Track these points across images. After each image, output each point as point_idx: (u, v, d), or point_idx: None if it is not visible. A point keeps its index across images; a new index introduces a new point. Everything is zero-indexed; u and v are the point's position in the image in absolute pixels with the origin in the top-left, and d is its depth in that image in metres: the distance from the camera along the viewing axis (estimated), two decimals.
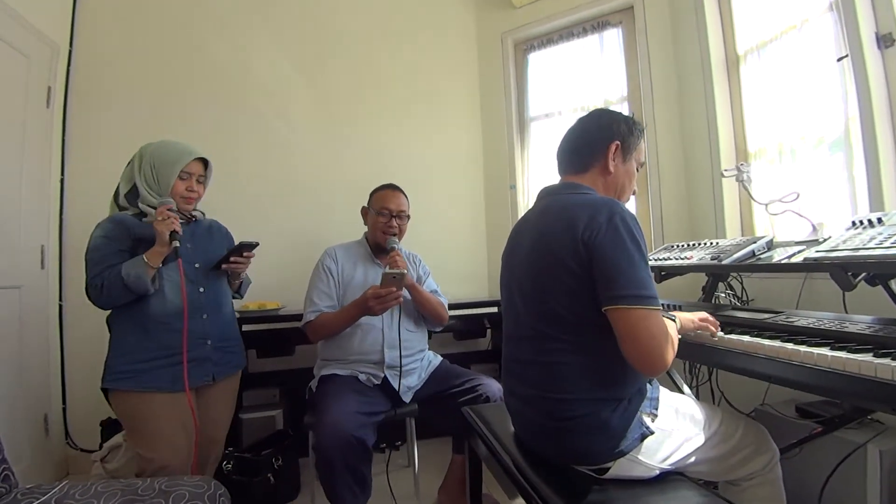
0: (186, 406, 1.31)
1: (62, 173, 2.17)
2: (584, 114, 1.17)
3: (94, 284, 1.29)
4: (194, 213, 1.52)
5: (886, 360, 0.78)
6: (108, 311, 1.38)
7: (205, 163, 1.48)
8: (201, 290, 1.43)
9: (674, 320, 1.05)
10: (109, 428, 1.91)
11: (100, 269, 1.29)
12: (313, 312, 1.73)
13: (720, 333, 1.13)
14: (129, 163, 1.42)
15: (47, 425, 2.03)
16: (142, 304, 1.32)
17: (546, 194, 1.13)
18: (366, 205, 1.93)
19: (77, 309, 2.12)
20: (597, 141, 1.09)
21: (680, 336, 1.06)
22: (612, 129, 1.09)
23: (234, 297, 1.62)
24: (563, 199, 1.05)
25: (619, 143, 1.08)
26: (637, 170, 1.15)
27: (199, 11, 2.44)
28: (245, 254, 1.49)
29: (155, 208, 1.34)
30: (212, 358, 1.42)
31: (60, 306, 2.14)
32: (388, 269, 1.58)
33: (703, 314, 1.16)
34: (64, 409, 2.13)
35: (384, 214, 1.82)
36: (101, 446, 1.81)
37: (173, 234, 1.30)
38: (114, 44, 2.30)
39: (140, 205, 1.37)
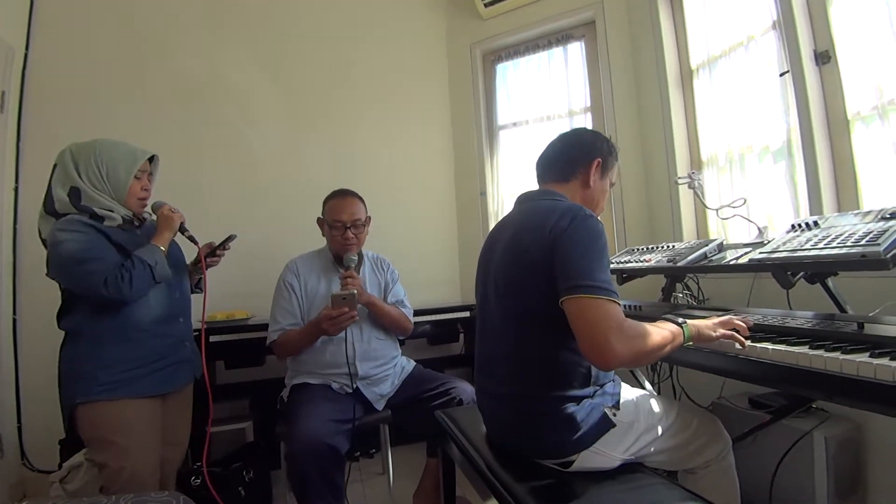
0: (158, 411, 1.33)
1: (16, 181, 2.08)
2: (567, 130, 1.25)
3: (119, 276, 1.20)
4: (144, 213, 1.44)
5: (820, 352, 0.86)
6: (68, 323, 1.29)
7: (149, 158, 1.41)
8: (177, 295, 1.42)
9: (681, 325, 0.99)
10: (69, 447, 1.83)
11: (112, 263, 1.21)
12: (276, 332, 1.71)
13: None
14: (56, 167, 1.29)
15: (2, 445, 1.92)
16: (124, 311, 1.27)
17: (524, 199, 1.20)
18: (321, 215, 1.86)
19: (32, 323, 2.03)
20: (581, 155, 1.16)
21: (692, 345, 1.01)
22: (596, 147, 1.17)
23: (193, 292, 1.58)
24: (538, 203, 1.12)
25: (600, 160, 1.16)
26: (609, 188, 1.23)
27: (159, 14, 2.39)
28: (227, 247, 1.51)
29: (111, 211, 1.29)
30: (191, 359, 1.43)
31: (14, 320, 2.04)
32: (336, 292, 1.57)
33: (727, 318, 1.05)
34: (19, 428, 2.02)
35: (337, 227, 1.75)
36: (60, 466, 1.74)
37: (182, 225, 1.38)
38: (71, 47, 2.23)
39: (97, 210, 1.27)
